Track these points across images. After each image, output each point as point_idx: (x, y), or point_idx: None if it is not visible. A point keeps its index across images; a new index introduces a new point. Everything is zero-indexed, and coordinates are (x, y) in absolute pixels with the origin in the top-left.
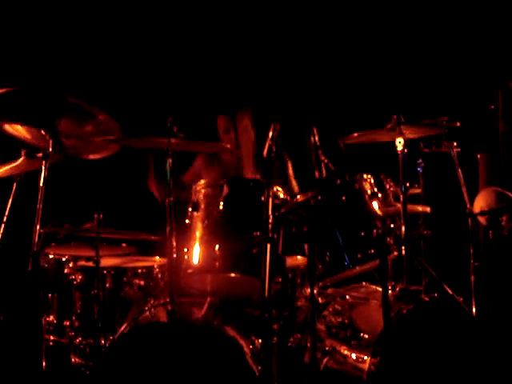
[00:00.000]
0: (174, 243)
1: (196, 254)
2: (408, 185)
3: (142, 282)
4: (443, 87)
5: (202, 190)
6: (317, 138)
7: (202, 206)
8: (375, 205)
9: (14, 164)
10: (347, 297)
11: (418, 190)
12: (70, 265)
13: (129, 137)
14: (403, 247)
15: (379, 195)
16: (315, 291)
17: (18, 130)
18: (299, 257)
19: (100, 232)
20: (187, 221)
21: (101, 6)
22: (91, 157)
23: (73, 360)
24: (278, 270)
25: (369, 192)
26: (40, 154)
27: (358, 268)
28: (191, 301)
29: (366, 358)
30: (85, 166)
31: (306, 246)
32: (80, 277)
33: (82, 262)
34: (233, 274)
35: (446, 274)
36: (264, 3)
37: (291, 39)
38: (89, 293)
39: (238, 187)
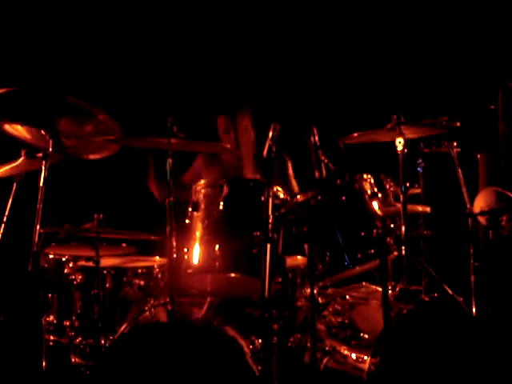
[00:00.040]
0: (174, 243)
1: (196, 254)
2: (408, 185)
3: (142, 282)
4: (443, 87)
5: (202, 190)
6: (317, 138)
7: (202, 206)
8: (375, 205)
9: (14, 164)
10: (347, 297)
11: (418, 190)
12: (70, 265)
13: (129, 137)
14: (403, 247)
15: (379, 195)
16: (315, 291)
17: (17, 129)
18: (299, 257)
19: (100, 232)
20: (187, 221)
21: (101, 6)
22: (91, 157)
23: (73, 360)
24: (277, 270)
25: (369, 192)
26: (40, 154)
27: (357, 268)
28: (191, 301)
29: (366, 357)
30: (85, 165)
31: (305, 246)
32: (80, 277)
33: (81, 262)
34: (233, 274)
35: (446, 274)
36: (264, 3)
37: (291, 39)
38: (89, 293)
39: (238, 187)
